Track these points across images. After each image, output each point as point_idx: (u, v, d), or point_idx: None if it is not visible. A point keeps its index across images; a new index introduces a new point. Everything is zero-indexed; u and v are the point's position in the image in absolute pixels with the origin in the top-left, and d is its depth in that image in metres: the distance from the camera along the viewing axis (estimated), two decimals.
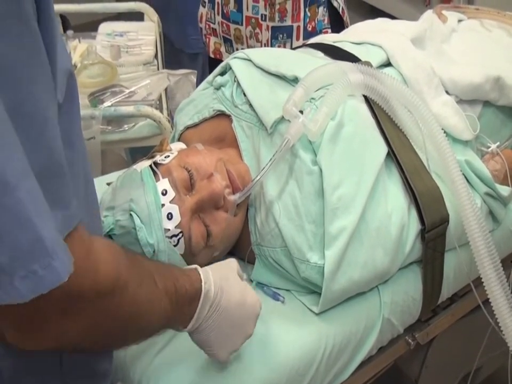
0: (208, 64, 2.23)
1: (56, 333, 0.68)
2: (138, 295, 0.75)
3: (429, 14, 1.51)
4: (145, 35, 2.33)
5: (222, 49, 2.10)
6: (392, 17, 1.61)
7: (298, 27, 1.92)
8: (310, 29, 1.94)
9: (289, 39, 1.94)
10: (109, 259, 0.70)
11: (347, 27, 1.99)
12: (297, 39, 1.94)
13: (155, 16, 2.47)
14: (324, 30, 1.96)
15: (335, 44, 1.37)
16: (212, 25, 2.07)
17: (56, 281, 0.59)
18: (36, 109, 0.59)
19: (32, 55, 0.59)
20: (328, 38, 1.46)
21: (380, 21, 1.55)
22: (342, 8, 1.99)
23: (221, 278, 0.91)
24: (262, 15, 1.90)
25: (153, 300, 0.79)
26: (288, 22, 1.91)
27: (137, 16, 2.52)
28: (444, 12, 1.53)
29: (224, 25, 2.00)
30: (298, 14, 1.91)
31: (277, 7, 1.87)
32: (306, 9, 1.91)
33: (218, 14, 2.01)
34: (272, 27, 1.92)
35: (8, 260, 0.56)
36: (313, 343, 1.08)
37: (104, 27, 2.38)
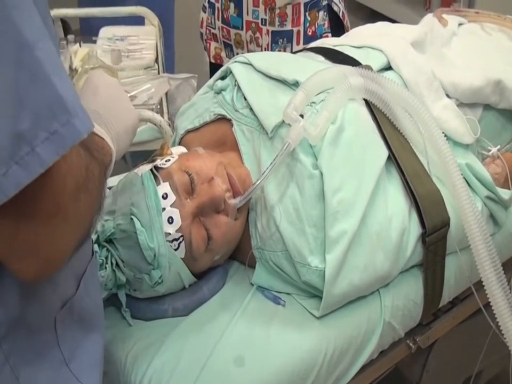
0: (209, 69, 2.24)
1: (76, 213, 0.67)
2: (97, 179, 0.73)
3: (429, 18, 1.51)
4: (145, 39, 2.33)
5: (223, 54, 2.10)
6: (393, 21, 1.62)
7: (298, 31, 1.93)
8: (310, 33, 1.94)
9: (289, 44, 1.94)
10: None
11: (347, 31, 1.99)
12: (298, 43, 1.94)
13: (156, 20, 2.47)
14: (324, 35, 1.97)
15: (336, 48, 1.37)
16: (212, 30, 2.08)
17: (76, 137, 0.59)
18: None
19: None
20: (329, 41, 1.46)
21: (380, 24, 1.55)
22: (343, 12, 1.99)
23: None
24: (262, 19, 1.91)
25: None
26: (288, 27, 1.91)
27: (138, 20, 2.52)
28: (444, 15, 1.53)
29: (225, 30, 2.01)
30: (298, 18, 1.91)
31: (277, 11, 1.88)
32: (307, 14, 1.91)
33: (218, 19, 2.01)
34: (272, 31, 1.92)
35: (30, 125, 0.56)
36: (314, 346, 1.08)
37: (105, 31, 2.38)
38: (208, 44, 2.14)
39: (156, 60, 2.24)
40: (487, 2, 2.65)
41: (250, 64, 1.26)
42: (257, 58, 1.28)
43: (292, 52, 1.92)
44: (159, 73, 2.16)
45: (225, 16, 1.98)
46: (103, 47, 2.26)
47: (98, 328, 0.91)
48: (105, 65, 2.07)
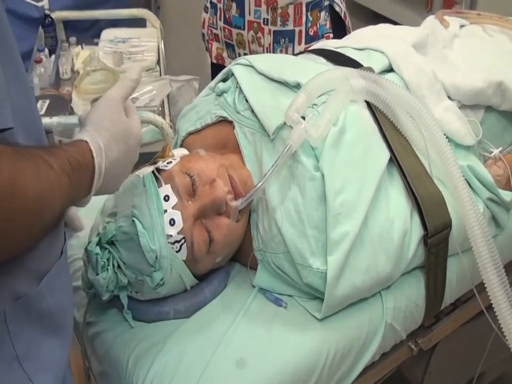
0: (211, 69, 2.24)
1: None
2: (36, 187, 0.69)
3: (430, 20, 1.51)
4: (147, 41, 2.34)
5: (224, 54, 2.11)
6: (394, 23, 1.62)
7: (300, 31, 1.93)
8: (312, 33, 1.94)
9: (291, 43, 1.94)
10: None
11: (349, 32, 2.00)
12: (299, 43, 1.94)
13: (157, 23, 2.48)
14: (326, 35, 1.97)
15: (337, 50, 1.37)
16: (214, 30, 2.08)
17: None
18: None
19: None
20: (330, 43, 1.46)
21: (382, 26, 1.55)
22: (344, 13, 1.99)
23: (109, 136, 0.88)
24: (264, 19, 1.91)
25: (53, 185, 0.73)
26: (290, 26, 1.91)
27: (139, 23, 2.53)
28: (445, 17, 1.53)
29: (226, 30, 2.01)
30: (300, 18, 1.91)
31: (279, 11, 1.88)
32: (308, 14, 1.91)
33: (220, 19, 2.01)
34: (274, 31, 1.92)
35: None
36: (315, 349, 1.08)
37: (107, 33, 2.39)
38: (209, 44, 2.14)
39: (158, 62, 2.24)
40: (488, 4, 2.65)
41: (252, 66, 1.26)
42: (259, 60, 1.28)
43: (293, 52, 1.93)
44: (160, 75, 2.17)
45: (227, 16, 1.99)
46: (105, 49, 2.27)
47: (61, 332, 0.87)
48: (106, 67, 2.07)
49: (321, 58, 1.35)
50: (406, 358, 1.29)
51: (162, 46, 2.35)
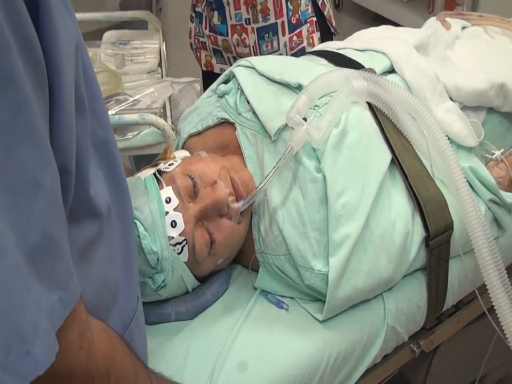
0: (202, 76, 2.25)
1: None
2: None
3: (432, 21, 1.51)
4: (149, 43, 2.34)
5: (213, 61, 2.12)
6: (396, 25, 1.62)
7: (282, 22, 1.94)
8: (294, 21, 1.95)
9: (275, 36, 1.95)
10: (105, 339, 0.65)
11: (330, 21, 2.01)
12: (283, 34, 1.95)
13: (159, 25, 2.48)
14: (309, 19, 1.98)
15: (339, 51, 1.37)
16: (201, 39, 2.09)
17: (30, 375, 0.51)
18: (25, 175, 0.52)
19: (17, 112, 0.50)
20: (332, 45, 1.46)
21: (384, 28, 1.55)
22: (322, 1, 2.00)
23: None
24: (245, 19, 1.92)
25: None
26: (272, 20, 1.92)
27: (141, 25, 2.53)
28: (447, 18, 1.53)
29: (212, 37, 2.03)
30: (280, 10, 1.92)
31: (259, 7, 1.89)
32: (288, 3, 1.92)
33: (206, 28, 2.03)
34: (257, 28, 1.93)
35: None
36: (317, 351, 1.08)
37: (109, 35, 2.39)
38: (198, 53, 2.15)
39: (159, 64, 2.25)
40: (490, 6, 2.66)
41: (253, 68, 1.26)
42: (260, 61, 1.28)
43: (278, 45, 1.95)
44: (162, 77, 2.17)
45: (211, 24, 2.00)
46: (107, 51, 2.27)
47: None
48: (108, 69, 2.07)
49: (322, 59, 1.35)
50: (408, 360, 1.29)
51: (164, 48, 2.35)
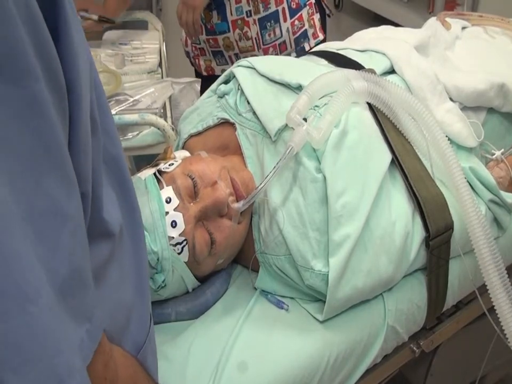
0: (201, 81, 2.25)
1: None
2: None
3: (432, 21, 1.51)
4: (149, 43, 2.34)
5: (213, 64, 2.12)
6: (396, 25, 1.62)
7: (283, 9, 1.96)
8: (294, 6, 1.98)
9: (277, 24, 1.96)
10: (127, 367, 0.65)
11: (324, 1, 2.05)
12: (285, 20, 1.97)
13: (159, 25, 2.48)
14: (308, 2, 2.02)
15: (339, 52, 1.37)
16: (197, 46, 2.09)
17: None
18: (51, 205, 0.50)
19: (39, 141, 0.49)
20: (332, 45, 1.46)
21: (384, 28, 1.55)
22: None
23: None
24: (246, 12, 1.93)
25: None
26: (273, 8, 1.94)
27: (141, 25, 2.53)
28: (447, 19, 1.54)
29: (211, 40, 2.03)
30: None
31: None
32: None
33: (202, 33, 2.03)
34: (259, 19, 1.94)
35: None
36: (317, 351, 1.08)
37: (109, 35, 2.39)
38: (196, 60, 2.15)
39: (159, 64, 2.25)
40: (490, 6, 2.66)
41: (254, 68, 1.26)
42: (261, 62, 1.28)
43: (281, 32, 1.97)
44: (162, 77, 2.17)
45: (209, 27, 2.00)
46: (107, 51, 2.26)
47: None
48: (108, 69, 2.07)
49: (322, 60, 1.35)
50: (408, 360, 1.29)
51: (164, 48, 2.36)
